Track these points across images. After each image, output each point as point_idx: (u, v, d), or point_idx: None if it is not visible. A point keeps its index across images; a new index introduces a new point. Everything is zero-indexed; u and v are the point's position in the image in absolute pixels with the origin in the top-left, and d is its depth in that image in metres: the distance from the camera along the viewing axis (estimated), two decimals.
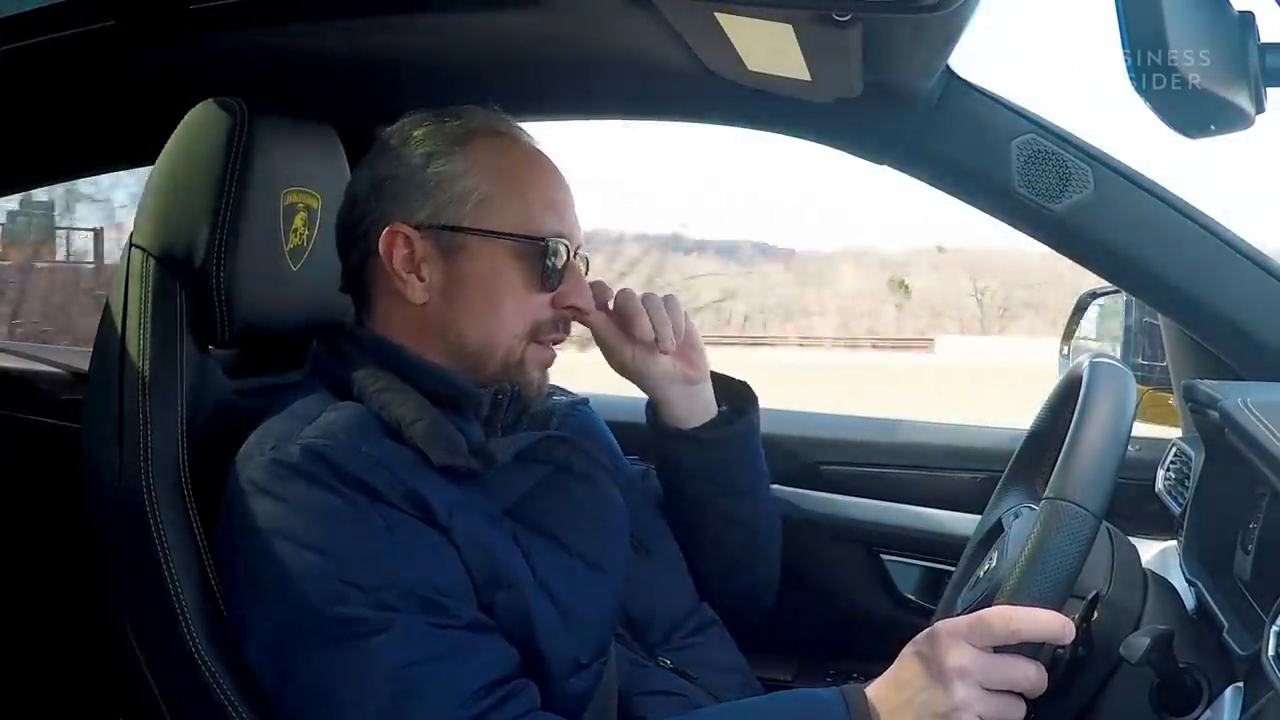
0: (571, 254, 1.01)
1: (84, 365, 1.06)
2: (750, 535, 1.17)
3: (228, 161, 1.02)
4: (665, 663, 1.03)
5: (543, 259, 0.99)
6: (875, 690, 0.84)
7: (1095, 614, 0.84)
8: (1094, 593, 0.84)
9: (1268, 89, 0.72)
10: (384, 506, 0.88)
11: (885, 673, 0.85)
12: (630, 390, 1.18)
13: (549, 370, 1.04)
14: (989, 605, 0.83)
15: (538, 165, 1.03)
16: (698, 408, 1.13)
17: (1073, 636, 0.81)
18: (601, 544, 1.01)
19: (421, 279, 0.98)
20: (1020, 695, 0.81)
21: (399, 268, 0.98)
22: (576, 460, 1.03)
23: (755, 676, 1.12)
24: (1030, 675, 0.81)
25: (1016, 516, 1.05)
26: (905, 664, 0.84)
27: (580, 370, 1.38)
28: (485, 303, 0.99)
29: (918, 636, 0.85)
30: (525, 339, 1.00)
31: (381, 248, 0.98)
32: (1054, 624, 0.80)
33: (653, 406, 1.14)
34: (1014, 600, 0.81)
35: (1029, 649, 0.81)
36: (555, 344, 1.03)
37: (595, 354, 1.11)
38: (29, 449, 1.50)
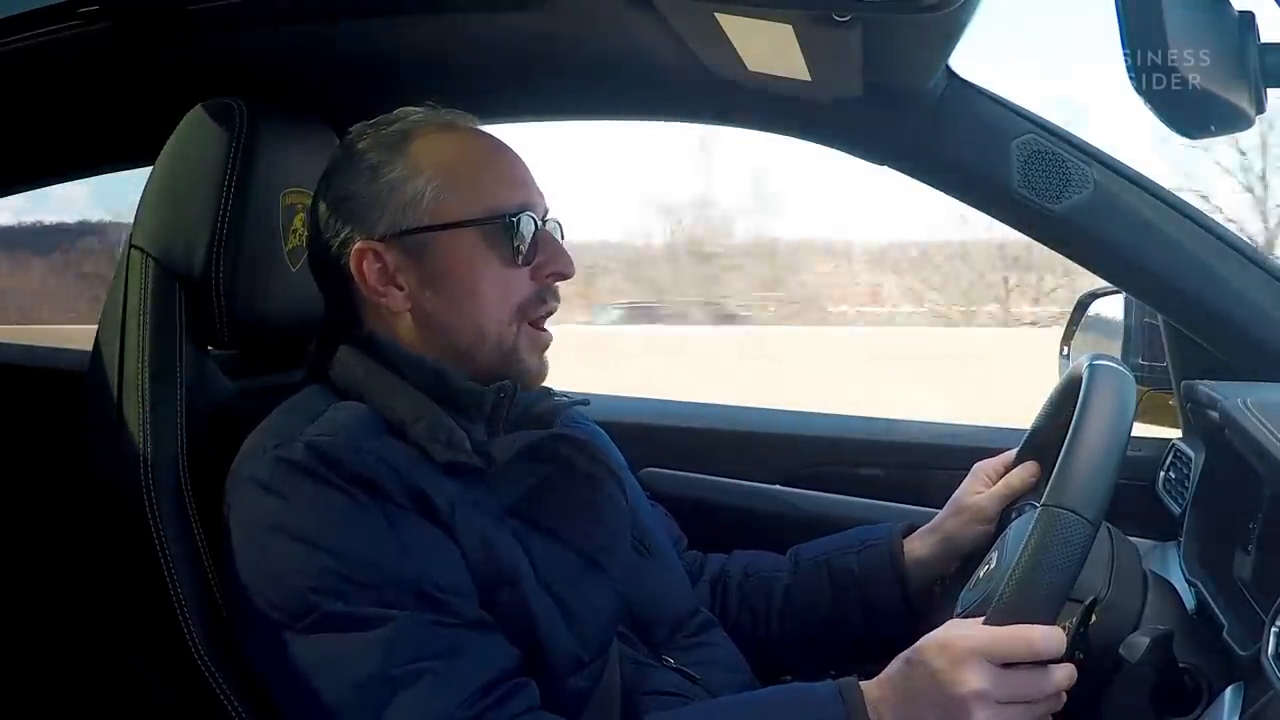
0: (541, 223, 1.01)
1: (83, 365, 1.06)
2: None
3: (227, 162, 1.02)
4: (669, 661, 1.03)
5: (511, 235, 0.98)
6: (878, 691, 0.84)
7: (1093, 619, 0.84)
8: (1091, 598, 0.84)
9: (1268, 89, 0.72)
10: (387, 504, 0.88)
11: (889, 673, 0.85)
12: (629, 390, 1.18)
13: (546, 354, 1.03)
14: (988, 607, 0.83)
15: (482, 146, 1.02)
16: None
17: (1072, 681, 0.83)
18: (603, 543, 1.01)
19: (400, 288, 0.98)
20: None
21: (374, 283, 0.98)
22: (580, 459, 1.03)
23: (757, 677, 1.12)
24: (1046, 686, 0.82)
25: (1019, 514, 1.05)
26: (915, 673, 0.83)
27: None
28: (466, 293, 0.98)
29: (928, 643, 0.84)
30: (514, 321, 0.99)
31: (352, 268, 0.98)
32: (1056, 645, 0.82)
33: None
34: (1010, 607, 0.81)
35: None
36: (548, 316, 1.02)
37: None
38: (28, 449, 1.50)
